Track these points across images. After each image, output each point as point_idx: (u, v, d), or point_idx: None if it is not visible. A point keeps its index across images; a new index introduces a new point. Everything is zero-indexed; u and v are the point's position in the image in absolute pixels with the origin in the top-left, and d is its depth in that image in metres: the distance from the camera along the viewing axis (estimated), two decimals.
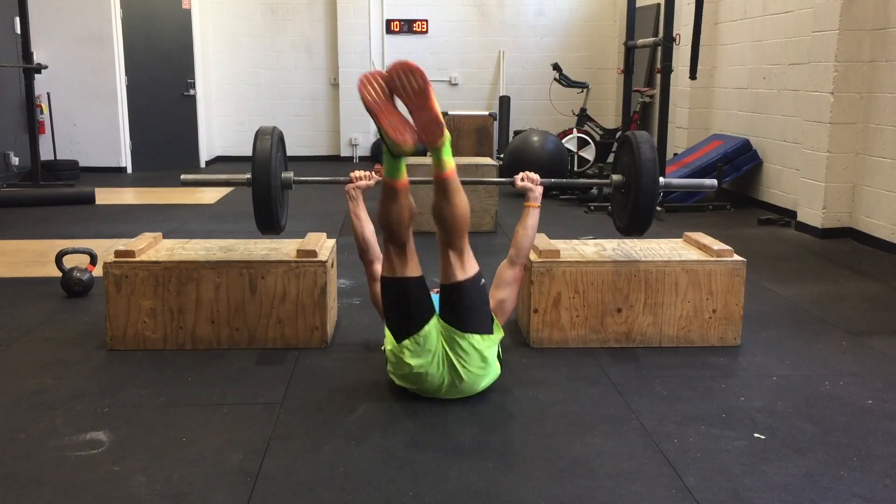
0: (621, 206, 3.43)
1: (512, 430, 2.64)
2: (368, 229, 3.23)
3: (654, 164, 3.19)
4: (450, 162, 2.67)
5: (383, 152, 2.67)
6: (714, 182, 3.53)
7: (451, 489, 2.24)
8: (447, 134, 2.66)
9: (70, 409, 2.76)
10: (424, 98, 2.56)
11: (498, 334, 2.85)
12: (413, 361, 2.71)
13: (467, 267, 2.75)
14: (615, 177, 3.40)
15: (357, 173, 3.30)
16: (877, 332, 3.70)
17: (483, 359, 2.77)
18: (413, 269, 2.74)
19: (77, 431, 2.59)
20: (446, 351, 2.73)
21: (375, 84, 2.57)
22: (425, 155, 2.70)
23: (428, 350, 2.71)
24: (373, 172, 3.30)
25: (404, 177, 2.71)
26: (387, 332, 2.83)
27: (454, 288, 2.74)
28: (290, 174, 3.32)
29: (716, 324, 3.41)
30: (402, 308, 2.73)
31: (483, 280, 2.82)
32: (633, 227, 3.34)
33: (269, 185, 3.09)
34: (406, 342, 2.72)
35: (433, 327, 2.72)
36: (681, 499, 2.21)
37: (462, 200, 2.71)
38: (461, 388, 2.79)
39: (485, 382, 2.84)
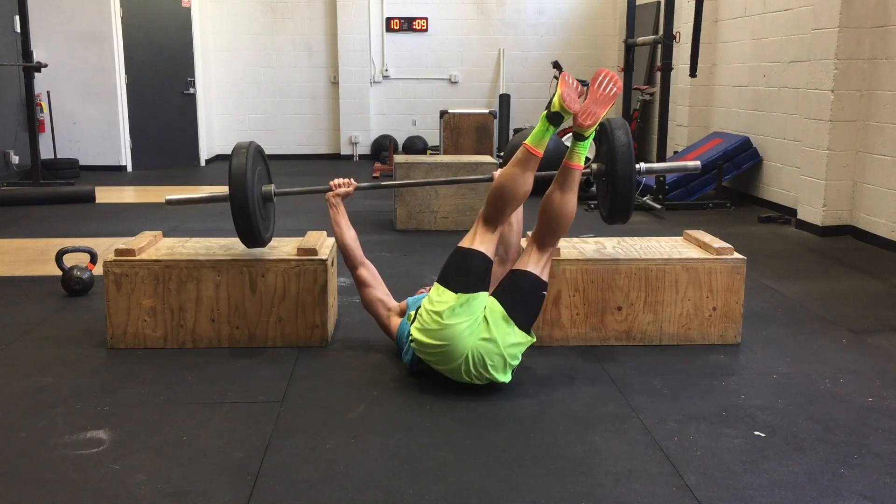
0: (604, 194, 3.40)
1: (512, 428, 2.64)
2: (350, 235, 3.31)
3: (628, 148, 3.14)
4: (582, 158, 2.97)
5: (540, 120, 2.94)
6: (698, 163, 3.50)
7: (451, 487, 2.25)
8: (593, 133, 2.97)
9: (70, 408, 2.76)
10: (608, 101, 2.96)
11: (531, 338, 2.90)
12: (456, 317, 2.75)
13: (544, 271, 2.92)
14: (595, 166, 3.35)
15: (337, 181, 3.39)
16: (877, 330, 3.70)
17: (514, 346, 2.82)
18: (489, 249, 2.87)
19: (77, 430, 2.59)
20: (487, 322, 2.77)
21: (573, 79, 2.99)
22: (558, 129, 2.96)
23: (471, 313, 2.76)
24: (351, 179, 3.37)
25: (544, 149, 2.94)
26: (432, 296, 2.84)
27: (522, 273, 2.87)
28: (270, 187, 3.32)
29: (716, 322, 3.41)
30: (463, 272, 2.82)
31: (545, 293, 2.96)
32: (615, 214, 3.29)
33: (246, 200, 3.10)
34: (457, 296, 2.77)
35: (483, 299, 2.81)
36: (681, 497, 2.21)
37: (574, 200, 2.93)
38: (482, 364, 2.77)
39: (500, 375, 2.83)
